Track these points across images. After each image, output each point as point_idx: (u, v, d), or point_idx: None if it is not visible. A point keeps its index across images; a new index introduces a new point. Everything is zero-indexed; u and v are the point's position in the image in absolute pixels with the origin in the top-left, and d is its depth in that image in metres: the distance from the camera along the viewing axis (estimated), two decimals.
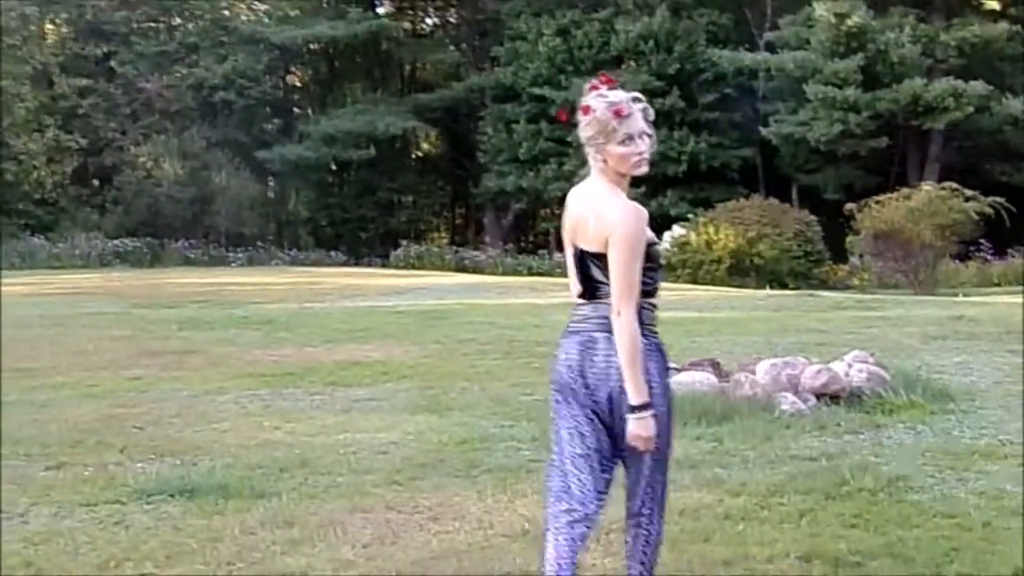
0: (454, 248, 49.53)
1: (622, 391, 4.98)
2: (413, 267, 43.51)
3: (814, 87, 42.61)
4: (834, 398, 10.83)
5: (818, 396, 10.87)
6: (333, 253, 49.21)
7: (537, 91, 48.73)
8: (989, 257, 38.08)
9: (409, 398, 11.93)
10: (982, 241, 36.28)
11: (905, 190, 33.76)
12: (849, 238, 35.38)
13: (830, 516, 7.39)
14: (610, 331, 5.00)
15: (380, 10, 59.21)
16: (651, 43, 47.57)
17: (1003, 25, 43.53)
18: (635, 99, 5.09)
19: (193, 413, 11.25)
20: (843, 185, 44.42)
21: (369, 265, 45.59)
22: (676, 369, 11.93)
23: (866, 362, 11.44)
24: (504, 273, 40.83)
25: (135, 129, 50.38)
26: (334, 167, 55.77)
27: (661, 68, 47.27)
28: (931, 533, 7.05)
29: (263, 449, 9.55)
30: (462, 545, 6.92)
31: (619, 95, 5.06)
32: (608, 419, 5.11)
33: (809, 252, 37.86)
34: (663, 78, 46.92)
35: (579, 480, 5.15)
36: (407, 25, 61.16)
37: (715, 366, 11.91)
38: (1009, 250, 38.48)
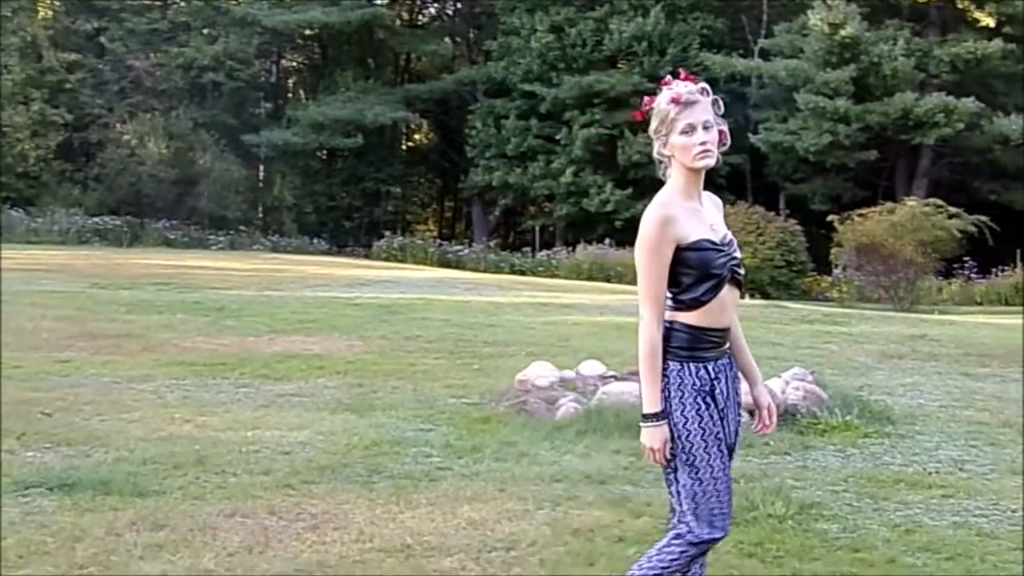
0: (438, 242, 49.13)
1: None
2: (396, 259, 43.18)
3: (805, 96, 42.20)
4: None
5: (751, 413, 10.48)
6: (316, 241, 48.80)
7: (528, 87, 48.39)
8: (973, 276, 37.72)
9: (335, 395, 11.57)
10: (966, 259, 35.97)
11: (889, 204, 33.46)
12: (833, 250, 35.05)
13: (729, 543, 6.98)
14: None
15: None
16: (644, 44, 47.07)
17: (997, 43, 42.92)
18: (703, 90, 4.81)
19: (108, 401, 10.90)
20: (831, 196, 44.03)
21: (352, 255, 45.19)
22: (615, 377, 11.63)
23: (804, 379, 11.10)
24: (486, 269, 40.50)
25: (122, 106, 49.81)
26: (322, 154, 55.45)
27: (653, 70, 46.63)
28: (830, 568, 6.70)
29: (165, 443, 9.19)
30: (333, 558, 6.56)
31: (684, 86, 4.79)
32: None
33: (792, 262, 37.51)
34: (655, 80, 46.25)
35: None
36: (405, 15, 60.84)
37: None
38: (993, 269, 38.11)
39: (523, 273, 39.85)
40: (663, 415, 4.73)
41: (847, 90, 42.10)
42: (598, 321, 19.43)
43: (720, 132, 4.82)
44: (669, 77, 4.86)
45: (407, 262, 40.98)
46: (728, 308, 4.87)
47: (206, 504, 7.51)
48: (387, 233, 48.28)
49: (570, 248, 43.09)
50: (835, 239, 33.95)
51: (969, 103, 41.64)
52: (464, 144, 52.56)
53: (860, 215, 32.54)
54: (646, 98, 4.86)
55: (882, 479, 8.75)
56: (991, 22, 44.96)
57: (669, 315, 4.79)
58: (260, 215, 53.95)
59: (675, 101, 4.73)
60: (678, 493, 4.87)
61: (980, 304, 35.68)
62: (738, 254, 4.94)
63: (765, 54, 46.59)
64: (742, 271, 4.93)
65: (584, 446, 9.41)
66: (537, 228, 51.25)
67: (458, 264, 42.34)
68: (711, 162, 4.79)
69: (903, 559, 6.90)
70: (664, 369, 4.76)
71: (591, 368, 11.85)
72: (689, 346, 4.78)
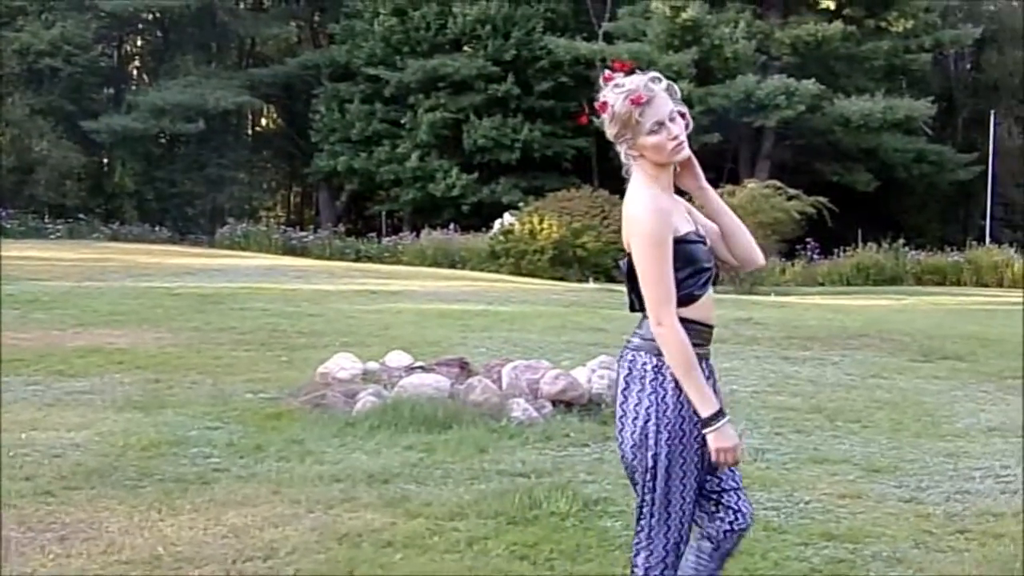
0: (282, 228, 48.43)
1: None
2: (239, 247, 42.35)
3: None
4: (570, 406, 10.21)
5: (555, 403, 10.24)
6: (158, 228, 47.82)
7: (372, 71, 48.17)
8: (815, 256, 38.25)
9: (127, 392, 11.05)
10: (809, 240, 36.33)
11: (729, 187, 33.50)
12: None
13: (502, 545, 6.69)
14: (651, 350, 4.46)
15: None
16: (488, 27, 46.93)
17: (837, 24, 43.54)
18: (654, 79, 4.40)
19: None
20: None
21: (195, 243, 44.33)
22: (422, 368, 11.28)
23: (610, 368, 10.83)
24: (331, 256, 39.96)
25: None
26: (163, 139, 54.46)
27: (498, 53, 46.70)
28: (604, 569, 6.40)
29: None
30: (73, 572, 6.13)
31: (635, 80, 4.36)
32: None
33: None
34: (499, 64, 46.47)
35: None
36: None
37: (463, 367, 11.31)
38: (836, 250, 38.63)
39: (369, 259, 39.39)
40: (723, 412, 4.41)
41: (689, 73, 42.24)
42: (423, 309, 19.09)
43: (683, 115, 4.45)
44: (609, 72, 4.46)
45: (251, 249, 40.18)
46: (713, 303, 4.61)
47: None
48: (231, 220, 47.46)
49: (416, 233, 42.76)
50: None
51: (810, 85, 42.11)
52: (310, 129, 52.05)
53: None
54: (598, 103, 4.45)
55: None
56: (831, 4, 45.46)
57: None
58: (102, 203, 52.81)
59: (636, 102, 4.34)
60: (651, 503, 4.56)
61: (822, 284, 36.10)
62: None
63: (609, 37, 46.69)
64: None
65: (375, 442, 9.05)
66: (384, 213, 50.88)
67: (303, 251, 41.71)
68: (687, 153, 4.46)
69: None
70: (660, 368, 4.44)
71: (397, 359, 11.51)
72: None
